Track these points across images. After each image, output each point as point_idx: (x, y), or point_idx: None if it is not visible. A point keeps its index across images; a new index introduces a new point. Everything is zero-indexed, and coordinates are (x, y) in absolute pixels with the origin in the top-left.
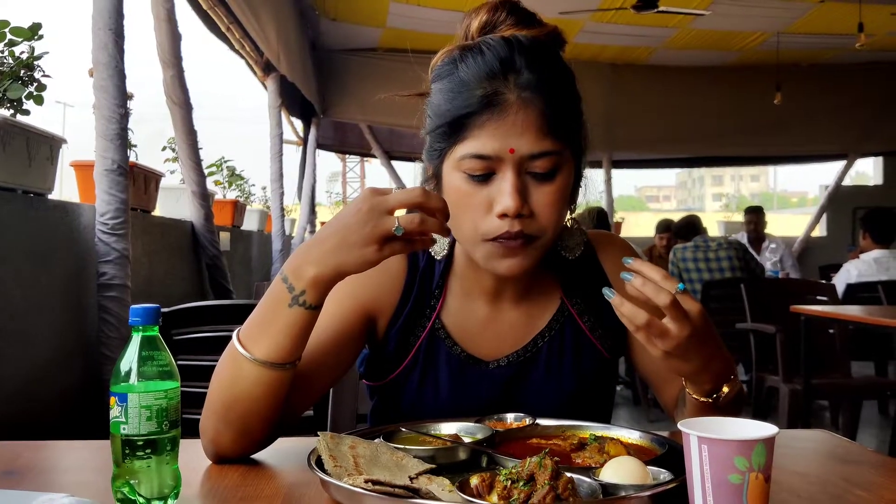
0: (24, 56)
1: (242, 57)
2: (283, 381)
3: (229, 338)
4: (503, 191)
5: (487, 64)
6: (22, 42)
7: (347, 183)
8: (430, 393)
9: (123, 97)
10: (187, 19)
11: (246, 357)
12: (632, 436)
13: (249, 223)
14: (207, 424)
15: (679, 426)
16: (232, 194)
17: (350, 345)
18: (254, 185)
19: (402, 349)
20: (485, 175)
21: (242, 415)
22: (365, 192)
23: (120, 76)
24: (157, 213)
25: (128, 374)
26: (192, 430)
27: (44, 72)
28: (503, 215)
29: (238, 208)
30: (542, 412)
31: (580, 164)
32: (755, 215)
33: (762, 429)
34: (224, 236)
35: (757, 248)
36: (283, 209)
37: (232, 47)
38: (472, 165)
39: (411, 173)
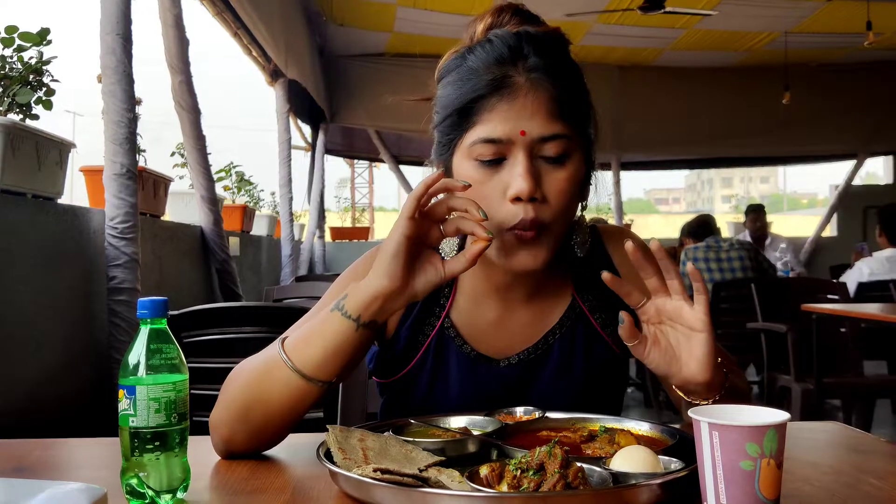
0: (33, 61)
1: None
2: (312, 395)
3: (238, 340)
4: (515, 174)
5: (496, 50)
6: (30, 47)
7: (356, 188)
8: (440, 391)
9: (132, 101)
10: (197, 24)
11: (284, 362)
12: (642, 427)
13: (259, 228)
14: (221, 421)
15: (689, 413)
16: (241, 199)
17: None
18: (262, 190)
19: (411, 347)
20: (496, 160)
21: (262, 417)
22: None
23: (128, 80)
24: (166, 217)
25: (136, 366)
26: (201, 433)
27: (52, 76)
28: (517, 199)
29: (247, 213)
30: (553, 409)
31: (590, 157)
32: (756, 214)
33: (773, 415)
34: (233, 241)
35: (760, 247)
36: (292, 214)
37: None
38: (483, 151)
39: (420, 178)
